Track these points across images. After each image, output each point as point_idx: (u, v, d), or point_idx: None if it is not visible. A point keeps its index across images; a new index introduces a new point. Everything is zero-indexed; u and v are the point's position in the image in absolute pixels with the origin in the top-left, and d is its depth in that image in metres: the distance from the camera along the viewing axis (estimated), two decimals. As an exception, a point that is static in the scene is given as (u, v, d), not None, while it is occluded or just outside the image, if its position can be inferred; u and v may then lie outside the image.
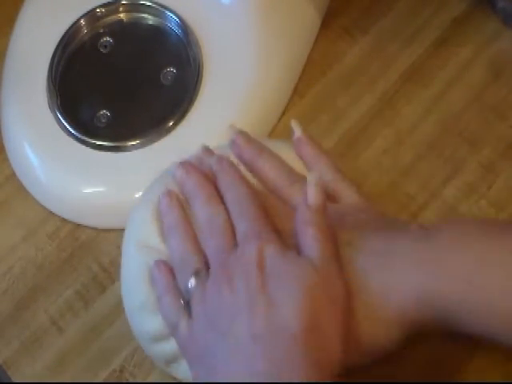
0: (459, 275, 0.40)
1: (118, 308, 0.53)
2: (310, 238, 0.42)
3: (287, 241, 0.43)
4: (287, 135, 0.59)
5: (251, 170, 0.48)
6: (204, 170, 0.48)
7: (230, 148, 0.50)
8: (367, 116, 0.59)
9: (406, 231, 0.44)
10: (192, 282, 0.43)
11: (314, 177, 0.43)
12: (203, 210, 0.46)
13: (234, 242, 0.43)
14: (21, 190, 0.59)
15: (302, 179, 0.47)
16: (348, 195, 0.48)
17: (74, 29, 0.61)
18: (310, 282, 0.40)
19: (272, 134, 0.59)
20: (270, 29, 0.59)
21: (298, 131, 0.51)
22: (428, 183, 0.56)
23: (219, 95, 0.57)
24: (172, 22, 0.60)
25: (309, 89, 0.60)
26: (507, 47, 0.60)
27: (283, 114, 0.60)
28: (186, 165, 0.48)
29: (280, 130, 0.59)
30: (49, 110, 0.58)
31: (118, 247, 0.56)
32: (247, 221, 0.44)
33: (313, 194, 0.43)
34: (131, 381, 0.51)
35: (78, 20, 0.61)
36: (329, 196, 0.46)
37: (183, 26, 0.60)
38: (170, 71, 0.59)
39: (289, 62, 0.60)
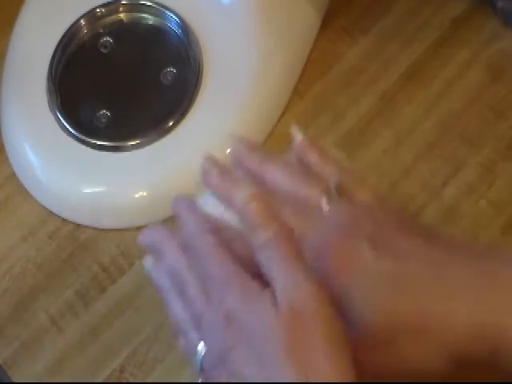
0: None
1: (118, 308, 0.54)
2: (267, 268, 0.37)
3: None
4: (287, 135, 0.59)
5: (259, 180, 0.43)
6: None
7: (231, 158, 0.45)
8: (367, 116, 0.59)
9: (460, 252, 0.38)
10: None
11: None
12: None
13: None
14: (21, 190, 0.59)
15: (315, 178, 0.42)
16: (367, 195, 0.41)
17: (73, 29, 0.61)
18: (273, 329, 0.35)
19: (271, 134, 0.59)
20: (270, 29, 0.59)
21: (298, 136, 0.45)
22: (428, 183, 0.56)
23: (219, 95, 0.57)
24: (172, 21, 0.60)
25: (309, 89, 0.60)
26: (507, 47, 0.60)
27: (283, 113, 0.60)
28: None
29: (280, 130, 0.59)
30: (49, 110, 0.58)
31: (118, 247, 0.56)
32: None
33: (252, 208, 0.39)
34: (131, 381, 0.51)
35: (78, 20, 0.61)
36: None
37: (183, 25, 0.60)
38: (170, 71, 0.59)
39: (289, 62, 0.60)
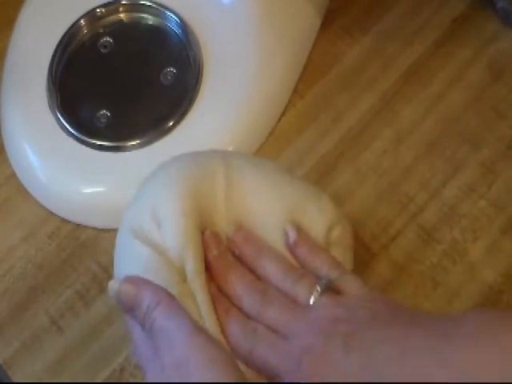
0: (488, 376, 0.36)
1: (118, 308, 0.53)
2: None
3: None
4: (287, 135, 0.59)
5: (253, 268, 0.46)
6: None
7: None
8: (367, 116, 0.59)
9: (422, 326, 0.40)
10: None
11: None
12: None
13: None
14: (21, 190, 0.59)
15: (305, 274, 0.45)
16: (354, 288, 0.44)
17: (74, 29, 0.61)
18: None
19: (272, 134, 0.59)
20: (270, 29, 0.59)
21: (292, 235, 0.46)
22: (428, 183, 0.56)
23: (219, 95, 0.57)
24: (172, 21, 0.60)
25: (309, 89, 0.60)
26: (507, 47, 0.60)
27: (283, 113, 0.60)
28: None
29: (280, 130, 0.59)
30: (49, 110, 0.58)
31: (118, 247, 0.56)
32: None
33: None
34: (131, 381, 0.51)
35: (78, 20, 0.61)
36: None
37: (183, 26, 0.60)
38: (170, 71, 0.59)
39: (289, 62, 0.60)
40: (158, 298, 0.41)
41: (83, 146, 0.57)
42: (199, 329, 0.40)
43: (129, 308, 0.43)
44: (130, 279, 0.43)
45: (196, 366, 0.39)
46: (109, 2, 0.62)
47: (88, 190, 0.57)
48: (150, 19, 0.61)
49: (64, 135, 0.57)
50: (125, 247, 0.47)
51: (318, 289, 0.43)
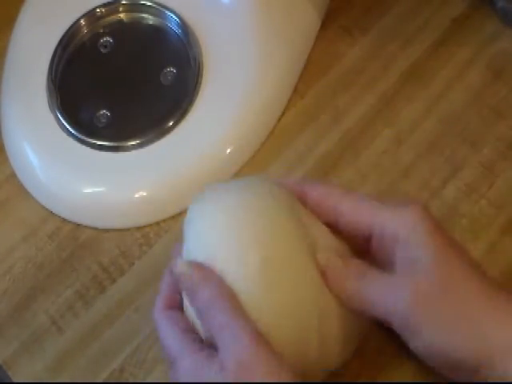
0: None
1: (118, 308, 0.54)
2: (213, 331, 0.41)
3: None
4: (287, 135, 0.59)
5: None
6: None
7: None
8: (367, 116, 0.59)
9: None
10: None
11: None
12: None
13: None
14: (21, 190, 0.59)
15: None
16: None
17: (73, 29, 0.61)
18: None
19: (271, 134, 0.59)
20: (270, 29, 0.59)
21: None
22: (428, 183, 0.56)
23: (219, 95, 0.57)
24: (172, 21, 0.60)
25: (309, 89, 0.60)
26: (507, 47, 0.60)
27: (283, 113, 0.60)
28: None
29: (280, 130, 0.59)
30: (49, 110, 0.58)
31: (118, 247, 0.56)
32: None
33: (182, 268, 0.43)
34: (131, 381, 0.51)
35: (78, 20, 0.61)
36: None
37: (183, 26, 0.60)
38: (170, 71, 0.59)
39: (289, 61, 0.60)
40: (220, 293, 0.42)
41: (83, 146, 0.57)
42: (260, 335, 0.41)
43: (188, 292, 0.43)
44: (197, 266, 0.43)
45: (262, 373, 0.39)
46: (109, 2, 0.62)
47: (88, 190, 0.57)
48: (150, 19, 0.61)
49: (64, 135, 0.57)
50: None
51: None
